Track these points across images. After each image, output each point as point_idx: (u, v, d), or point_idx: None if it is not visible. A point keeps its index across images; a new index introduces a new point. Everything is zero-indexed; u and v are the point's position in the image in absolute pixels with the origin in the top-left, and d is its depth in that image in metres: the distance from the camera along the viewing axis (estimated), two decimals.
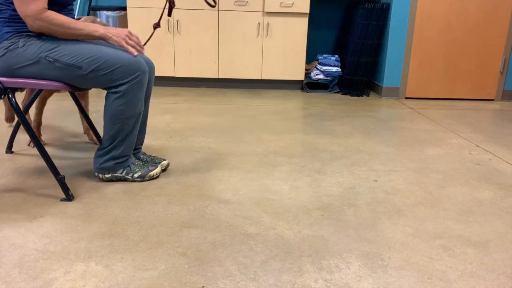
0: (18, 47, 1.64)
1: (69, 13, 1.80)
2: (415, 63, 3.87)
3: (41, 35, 1.67)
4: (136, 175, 1.88)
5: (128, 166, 1.88)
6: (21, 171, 1.98)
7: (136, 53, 1.71)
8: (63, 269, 1.26)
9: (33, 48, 1.64)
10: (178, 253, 1.36)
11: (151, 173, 1.91)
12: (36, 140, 1.68)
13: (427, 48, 3.83)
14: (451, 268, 1.33)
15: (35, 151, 2.25)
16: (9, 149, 2.22)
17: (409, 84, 3.92)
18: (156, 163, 1.98)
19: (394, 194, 1.86)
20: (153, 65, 1.93)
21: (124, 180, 1.89)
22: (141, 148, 2.03)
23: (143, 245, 1.40)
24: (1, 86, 1.64)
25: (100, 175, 1.88)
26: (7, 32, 1.66)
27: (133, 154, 1.97)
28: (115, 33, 1.68)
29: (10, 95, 1.65)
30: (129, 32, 1.71)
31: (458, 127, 3.00)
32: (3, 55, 1.65)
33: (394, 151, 2.44)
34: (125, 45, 1.69)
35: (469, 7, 3.74)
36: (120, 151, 1.83)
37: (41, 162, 2.08)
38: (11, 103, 1.65)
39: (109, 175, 1.87)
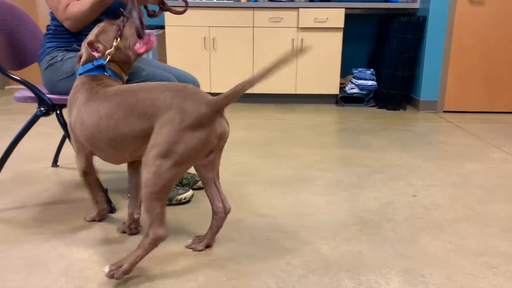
0: (57, 61, 1.73)
1: None
2: (453, 76, 3.79)
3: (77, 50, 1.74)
4: None
5: None
6: (66, 184, 2.07)
7: None
8: (106, 279, 1.31)
9: (70, 61, 1.71)
10: (217, 266, 1.38)
11: (179, 197, 1.84)
12: None
13: (466, 60, 3.75)
14: (496, 287, 1.29)
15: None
16: (55, 163, 2.32)
17: (447, 97, 3.83)
18: (196, 180, 2.00)
19: (434, 210, 1.82)
20: (198, 84, 1.96)
21: None
22: None
23: (183, 257, 1.43)
24: (50, 103, 1.73)
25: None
26: (48, 47, 1.76)
27: None
28: None
29: (58, 112, 1.74)
30: None
31: (499, 141, 2.91)
32: (45, 68, 1.75)
33: (432, 165, 2.39)
34: None
35: (510, 18, 3.64)
36: None
37: None
38: (59, 120, 1.74)
39: None
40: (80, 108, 1.40)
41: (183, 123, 1.22)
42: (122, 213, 1.76)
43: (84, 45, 1.49)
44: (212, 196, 1.45)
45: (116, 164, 1.46)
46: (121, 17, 1.46)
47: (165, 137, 1.23)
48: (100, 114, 1.34)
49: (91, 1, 1.63)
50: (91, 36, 1.48)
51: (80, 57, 1.51)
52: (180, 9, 1.79)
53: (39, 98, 1.73)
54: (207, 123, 1.25)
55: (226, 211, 1.47)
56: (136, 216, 1.58)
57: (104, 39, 1.47)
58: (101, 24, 1.50)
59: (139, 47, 1.49)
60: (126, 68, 1.53)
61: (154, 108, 1.26)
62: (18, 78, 1.70)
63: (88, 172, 1.54)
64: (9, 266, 1.37)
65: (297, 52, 1.23)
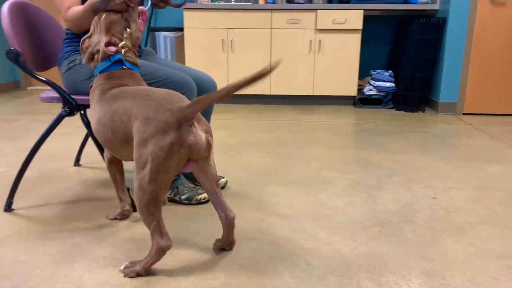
0: (75, 64, 1.77)
1: None
2: (473, 78, 3.74)
3: None
4: (183, 197, 1.86)
5: (176, 187, 1.86)
6: (88, 183, 2.11)
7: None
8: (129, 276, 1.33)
9: (88, 64, 1.75)
10: (237, 265, 1.40)
11: (198, 197, 1.86)
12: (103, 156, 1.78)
13: (487, 62, 3.70)
14: None
15: (101, 164, 2.39)
16: (77, 162, 2.37)
17: (467, 100, 3.79)
18: None
19: (455, 212, 1.81)
20: (216, 84, 1.97)
21: (173, 201, 1.88)
22: None
23: (204, 255, 1.45)
24: (74, 103, 1.77)
25: None
26: (67, 52, 1.81)
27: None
28: None
29: (82, 112, 1.78)
30: None
31: None
32: (65, 72, 1.79)
33: (452, 168, 2.37)
34: None
35: None
36: None
37: (106, 175, 2.21)
38: (82, 120, 1.77)
39: None
40: (93, 109, 1.47)
41: (146, 132, 1.22)
42: None
43: (87, 43, 1.50)
44: (215, 206, 1.44)
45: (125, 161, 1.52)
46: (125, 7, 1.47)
47: (135, 149, 1.25)
48: (96, 118, 1.42)
49: (85, 8, 1.63)
50: (105, 34, 1.46)
51: (92, 55, 1.50)
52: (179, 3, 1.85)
53: (64, 99, 1.77)
54: (170, 131, 1.21)
55: (229, 220, 1.43)
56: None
57: (116, 30, 1.47)
58: (104, 16, 1.48)
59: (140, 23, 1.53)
60: (136, 49, 1.54)
61: (126, 116, 1.30)
62: (44, 79, 1.74)
63: (113, 160, 1.60)
64: (37, 261, 1.41)
65: (273, 67, 1.17)
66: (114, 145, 1.39)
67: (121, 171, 1.65)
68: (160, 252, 1.31)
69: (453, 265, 1.40)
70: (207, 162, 1.35)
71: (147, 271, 1.33)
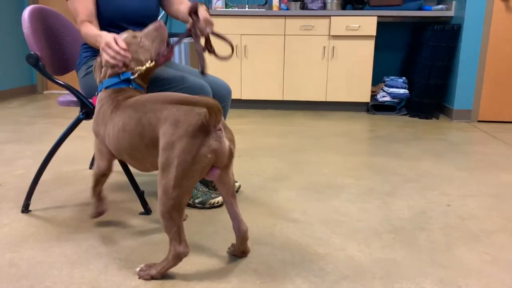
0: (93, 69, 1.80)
1: None
2: (489, 85, 3.71)
3: None
4: (197, 201, 1.87)
5: None
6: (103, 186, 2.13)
7: (112, 61, 1.48)
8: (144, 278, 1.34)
9: None
10: (250, 269, 1.40)
11: (212, 201, 1.87)
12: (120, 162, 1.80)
13: (502, 69, 3.67)
14: None
15: (116, 167, 2.41)
16: (92, 165, 2.40)
17: (482, 107, 3.75)
18: None
19: (469, 220, 1.79)
20: (230, 90, 1.99)
21: (187, 204, 1.89)
22: None
23: (217, 259, 1.46)
24: (92, 107, 1.80)
25: None
26: (85, 57, 1.86)
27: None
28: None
29: None
30: (107, 44, 1.48)
31: None
32: (83, 76, 1.83)
33: (467, 175, 2.35)
34: (106, 59, 1.49)
35: None
36: None
37: (120, 178, 2.23)
38: None
39: None
40: (107, 121, 1.45)
41: (175, 135, 1.22)
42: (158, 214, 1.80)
43: (104, 55, 1.51)
44: (230, 215, 1.44)
45: (145, 172, 1.51)
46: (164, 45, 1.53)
47: (161, 152, 1.25)
48: (118, 127, 1.40)
49: (88, 34, 1.64)
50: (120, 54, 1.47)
51: (101, 66, 1.53)
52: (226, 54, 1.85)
53: (82, 102, 1.80)
54: (199, 135, 1.21)
55: (241, 233, 1.43)
56: None
57: (131, 50, 1.49)
58: (124, 37, 1.51)
59: (160, 58, 1.54)
60: (147, 78, 1.57)
61: (155, 118, 1.30)
62: (63, 83, 1.77)
63: (106, 174, 1.59)
64: (54, 262, 1.43)
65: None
66: (140, 152, 1.36)
67: (106, 180, 1.65)
68: (177, 258, 1.32)
69: (467, 273, 1.39)
70: (227, 171, 1.35)
71: (162, 275, 1.34)
